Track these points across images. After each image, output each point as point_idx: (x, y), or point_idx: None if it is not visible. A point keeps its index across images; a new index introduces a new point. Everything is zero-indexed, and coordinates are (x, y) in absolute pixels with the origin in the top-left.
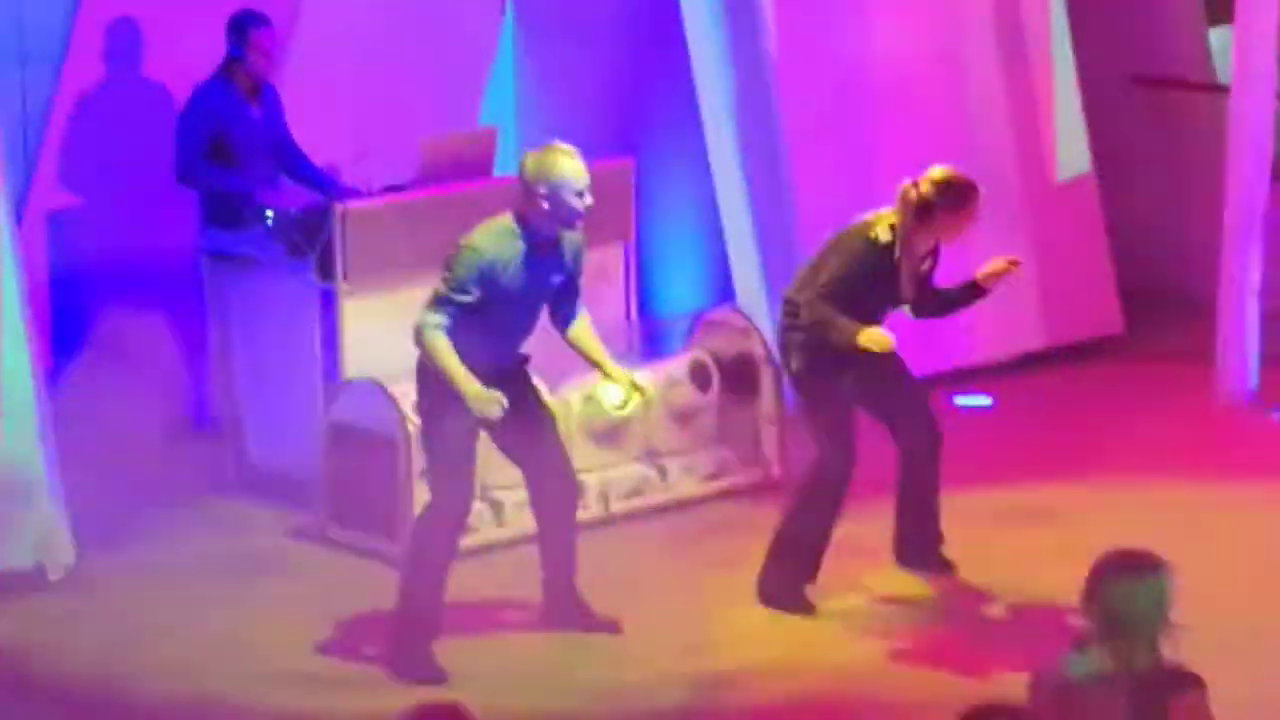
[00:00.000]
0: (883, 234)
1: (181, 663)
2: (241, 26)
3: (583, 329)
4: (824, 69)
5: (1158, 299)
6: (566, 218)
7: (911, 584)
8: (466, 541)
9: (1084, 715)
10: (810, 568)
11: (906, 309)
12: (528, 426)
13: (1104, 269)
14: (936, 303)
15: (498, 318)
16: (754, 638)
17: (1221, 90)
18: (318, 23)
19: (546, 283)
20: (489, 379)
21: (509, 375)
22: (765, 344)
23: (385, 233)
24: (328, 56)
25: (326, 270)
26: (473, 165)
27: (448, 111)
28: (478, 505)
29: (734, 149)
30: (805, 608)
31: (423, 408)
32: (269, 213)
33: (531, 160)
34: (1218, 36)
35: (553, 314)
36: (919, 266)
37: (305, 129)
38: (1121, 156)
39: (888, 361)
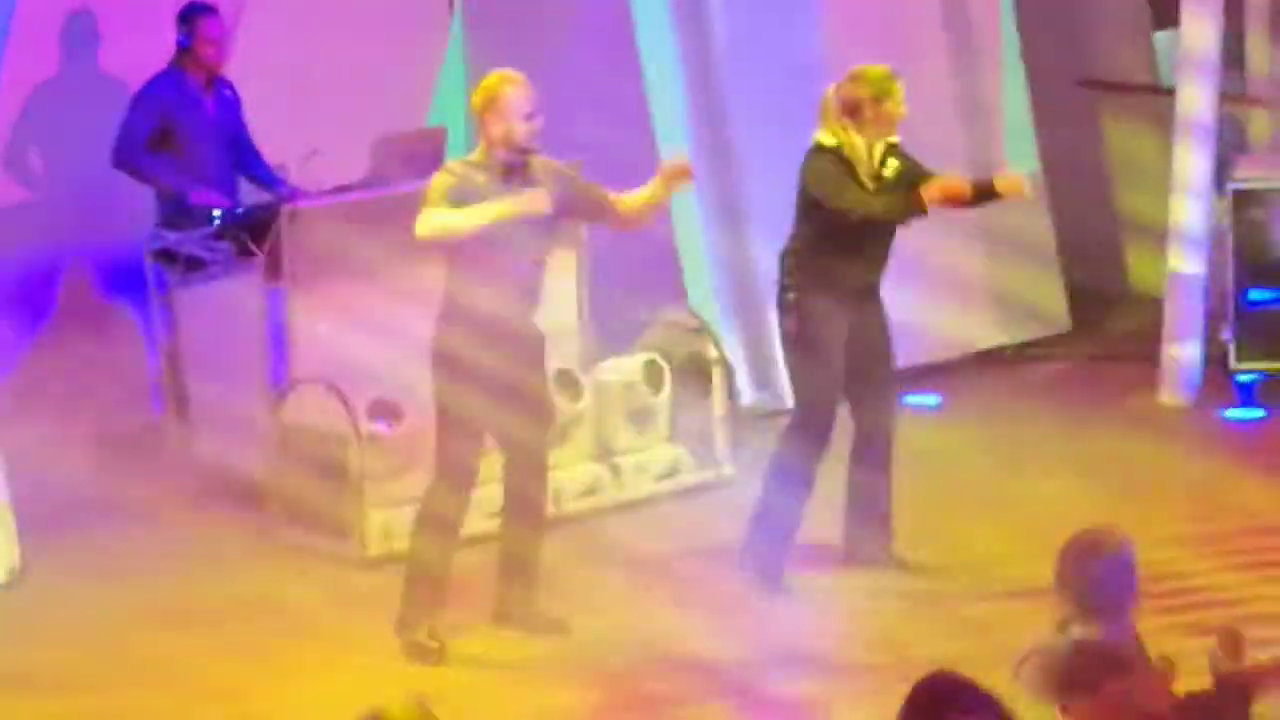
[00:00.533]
0: (825, 139)
1: (127, 669)
2: (189, 16)
3: (628, 200)
4: (774, 71)
5: (1104, 298)
6: (515, 142)
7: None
8: None
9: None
10: (789, 538)
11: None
12: (529, 416)
13: (1052, 268)
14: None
15: (496, 263)
16: (705, 634)
17: (1166, 93)
18: (267, 20)
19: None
20: (509, 351)
21: (527, 350)
22: (717, 344)
23: (333, 233)
24: (276, 54)
25: (274, 271)
26: (422, 165)
27: (397, 111)
28: None
29: (684, 149)
30: (781, 585)
31: (440, 385)
32: (216, 213)
33: (478, 90)
34: (1163, 40)
35: (602, 219)
36: (876, 169)
37: (254, 127)
38: (1069, 157)
39: (879, 339)
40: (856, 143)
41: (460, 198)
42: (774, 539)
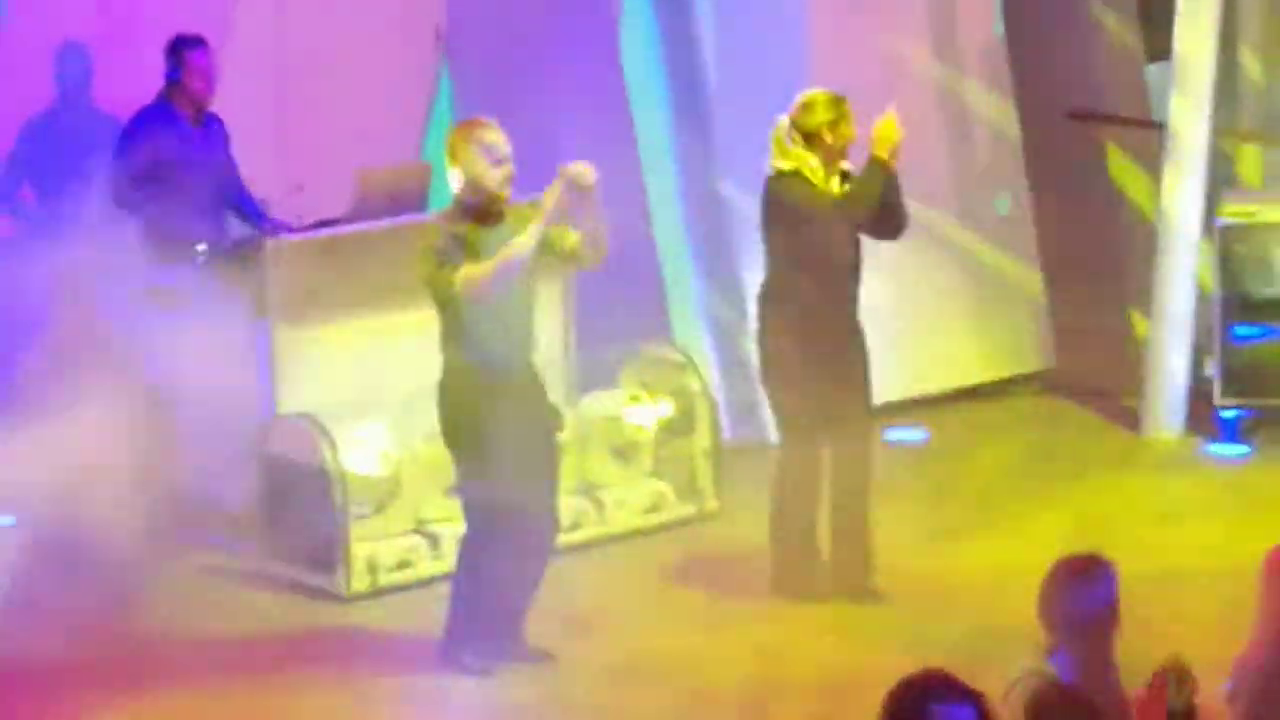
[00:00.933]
0: (781, 165)
1: (104, 707)
2: (177, 49)
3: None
4: (760, 106)
5: (1091, 332)
6: (486, 188)
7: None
8: (403, 575)
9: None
10: (810, 554)
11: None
12: (534, 451)
13: (1038, 302)
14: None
15: (490, 311)
16: (692, 666)
17: (1157, 126)
18: (254, 54)
19: None
20: (506, 390)
21: (524, 388)
22: (701, 378)
23: (318, 267)
24: (263, 89)
25: (259, 305)
26: (407, 200)
27: (384, 146)
28: (414, 539)
29: (672, 184)
30: (818, 593)
31: (447, 427)
32: (200, 247)
33: (450, 136)
34: (1154, 72)
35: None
36: (828, 183)
37: (240, 161)
38: (1058, 190)
39: (857, 374)
40: (814, 164)
41: (448, 253)
42: (796, 551)
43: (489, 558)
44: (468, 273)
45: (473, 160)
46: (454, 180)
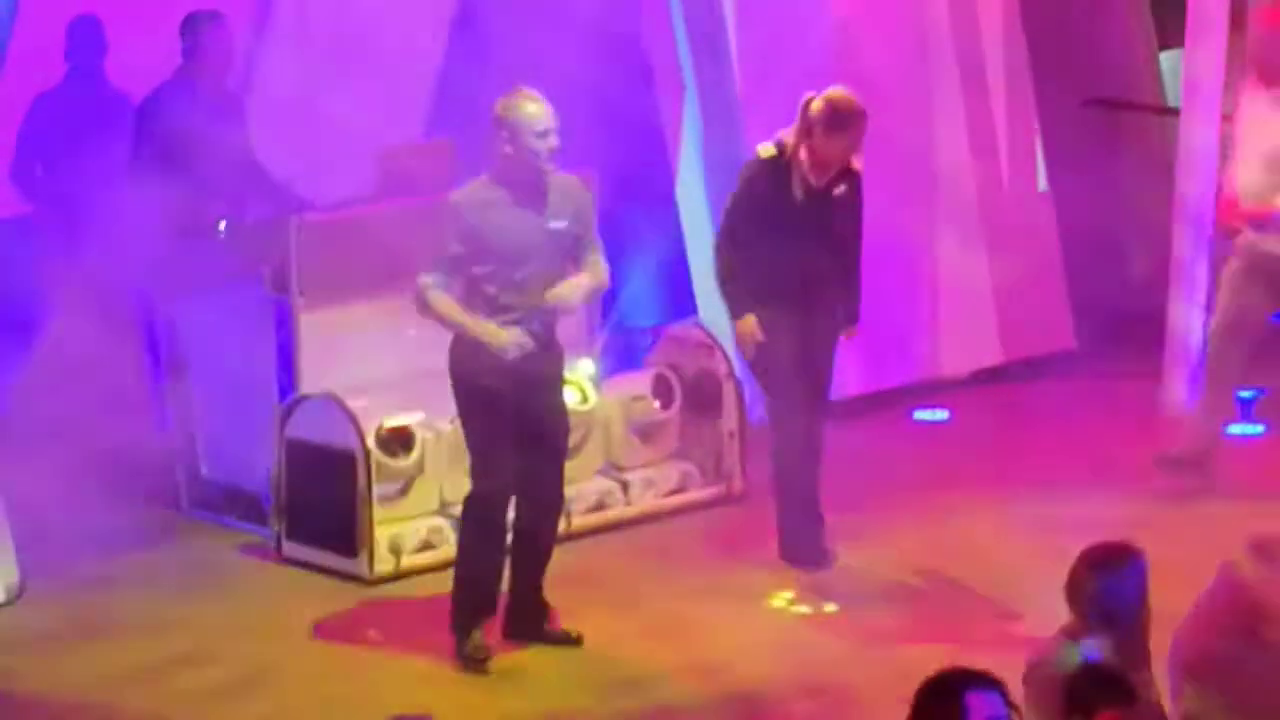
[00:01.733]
0: (764, 151)
1: (131, 685)
2: (195, 24)
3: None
4: (787, 90)
5: (1109, 315)
6: (528, 159)
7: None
8: (427, 558)
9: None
10: (814, 517)
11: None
12: (544, 422)
13: (1058, 285)
14: (845, 261)
15: (504, 276)
16: (715, 648)
17: (1171, 112)
18: (274, 32)
19: (542, 231)
20: (526, 370)
21: (539, 351)
22: (727, 359)
23: (341, 245)
24: (284, 67)
25: (281, 283)
26: (430, 178)
27: (404, 123)
28: (438, 521)
29: (698, 162)
30: (824, 559)
31: (455, 377)
32: (222, 224)
33: (496, 106)
34: (1168, 60)
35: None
36: (811, 178)
37: (261, 139)
38: (1075, 176)
39: (820, 353)
40: (801, 156)
41: (477, 228)
42: (797, 529)
43: (487, 520)
44: (436, 301)
45: (516, 132)
46: (497, 149)
